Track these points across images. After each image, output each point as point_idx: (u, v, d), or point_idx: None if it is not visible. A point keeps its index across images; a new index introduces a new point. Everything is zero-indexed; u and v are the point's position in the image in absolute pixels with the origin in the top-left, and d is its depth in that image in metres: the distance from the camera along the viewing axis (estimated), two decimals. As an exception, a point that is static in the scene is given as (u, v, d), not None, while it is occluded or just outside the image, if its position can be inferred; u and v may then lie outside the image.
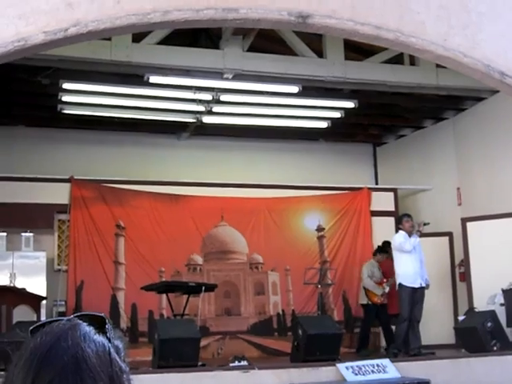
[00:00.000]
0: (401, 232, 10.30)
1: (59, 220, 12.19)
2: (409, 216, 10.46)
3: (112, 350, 1.23)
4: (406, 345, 10.14)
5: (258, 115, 12.64)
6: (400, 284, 10.04)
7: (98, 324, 1.28)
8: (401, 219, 10.54)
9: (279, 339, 12.42)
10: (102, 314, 1.28)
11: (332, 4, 4.73)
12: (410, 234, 10.10)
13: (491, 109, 12.20)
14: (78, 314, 1.28)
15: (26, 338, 1.24)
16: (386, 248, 11.47)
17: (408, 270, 9.97)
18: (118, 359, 1.22)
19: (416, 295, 9.90)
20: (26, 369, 1.17)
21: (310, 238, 13.25)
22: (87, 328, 1.25)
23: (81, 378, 1.14)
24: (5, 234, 11.44)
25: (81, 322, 1.26)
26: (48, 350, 1.18)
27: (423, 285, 10.03)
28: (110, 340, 1.26)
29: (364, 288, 11.57)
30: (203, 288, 9.89)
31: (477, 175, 12.68)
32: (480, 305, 10.91)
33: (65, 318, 1.27)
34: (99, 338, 1.24)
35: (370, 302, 11.43)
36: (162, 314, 11.74)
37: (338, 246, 13.28)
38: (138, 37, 9.42)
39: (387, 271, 11.26)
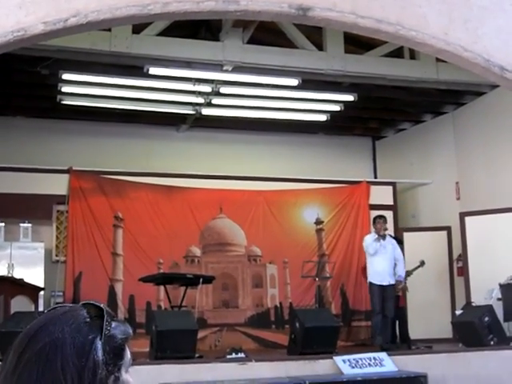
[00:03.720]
0: (371, 234, 10.67)
1: (58, 211, 12.19)
2: (381, 217, 10.70)
3: (97, 342, 1.28)
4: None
5: (258, 108, 12.62)
6: (370, 282, 10.46)
7: (97, 314, 1.32)
8: (374, 220, 10.81)
9: (276, 332, 12.44)
10: (101, 305, 1.32)
11: (333, -3, 4.73)
12: (379, 235, 10.43)
13: (491, 103, 12.20)
14: (83, 302, 1.34)
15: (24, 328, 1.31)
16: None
17: (377, 269, 10.37)
18: (99, 354, 1.27)
19: (386, 292, 10.29)
20: (16, 345, 1.28)
21: (308, 231, 13.26)
22: (82, 316, 1.30)
23: (51, 362, 1.24)
24: (3, 224, 11.46)
25: (81, 308, 1.31)
26: (36, 330, 1.29)
27: (392, 282, 10.36)
28: (102, 330, 1.29)
29: None
30: (201, 280, 9.89)
31: (476, 170, 12.68)
32: (477, 299, 10.92)
33: (71, 305, 1.33)
34: (87, 329, 1.28)
35: None
36: (159, 306, 11.75)
37: (337, 240, 13.29)
38: (138, 28, 9.40)
39: None
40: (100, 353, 1.28)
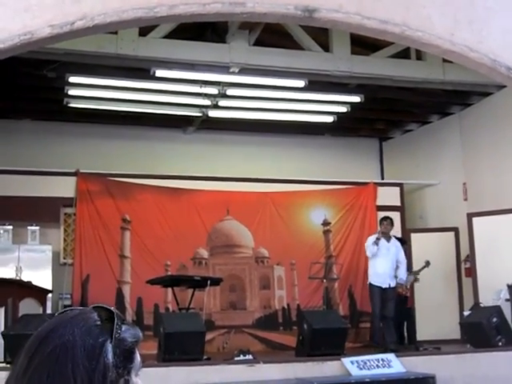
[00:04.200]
0: (373, 236, 10.69)
1: (65, 213, 12.21)
2: (386, 219, 10.73)
3: (107, 345, 1.28)
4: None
5: (264, 109, 12.63)
6: (370, 283, 10.52)
7: (107, 317, 1.33)
8: (380, 221, 10.91)
9: (284, 333, 12.43)
10: (112, 308, 1.33)
11: (338, -2, 4.73)
12: (377, 238, 10.46)
13: (498, 104, 12.16)
14: (94, 305, 1.35)
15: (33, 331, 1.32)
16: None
17: (378, 270, 10.43)
18: (109, 357, 1.28)
19: (386, 294, 10.32)
20: (27, 347, 1.29)
21: (315, 233, 13.25)
22: (93, 319, 1.31)
23: (61, 364, 1.24)
24: (11, 227, 11.47)
25: (91, 311, 1.32)
26: (47, 333, 1.29)
27: (392, 285, 10.41)
28: (112, 333, 1.30)
29: None
30: (209, 282, 9.90)
31: (483, 170, 12.64)
32: (485, 300, 10.90)
33: (81, 308, 1.35)
34: (98, 332, 1.29)
35: None
36: (167, 308, 11.76)
37: (344, 241, 13.27)
38: (144, 30, 9.41)
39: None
40: (110, 356, 1.28)
